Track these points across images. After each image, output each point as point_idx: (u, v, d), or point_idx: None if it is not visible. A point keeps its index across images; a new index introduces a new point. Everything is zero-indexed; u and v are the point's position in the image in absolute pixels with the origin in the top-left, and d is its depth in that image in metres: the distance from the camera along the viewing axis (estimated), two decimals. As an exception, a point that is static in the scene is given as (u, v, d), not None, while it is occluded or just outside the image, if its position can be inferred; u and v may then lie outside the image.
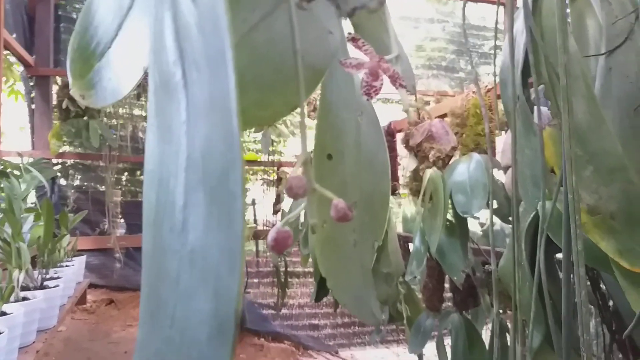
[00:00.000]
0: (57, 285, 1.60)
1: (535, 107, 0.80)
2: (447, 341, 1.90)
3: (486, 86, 1.48)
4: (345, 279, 0.34)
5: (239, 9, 0.26)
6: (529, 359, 1.15)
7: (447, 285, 2.07)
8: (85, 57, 0.33)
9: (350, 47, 0.30)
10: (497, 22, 0.90)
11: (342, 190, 0.33)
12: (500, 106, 1.58)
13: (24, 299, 1.38)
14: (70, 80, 0.34)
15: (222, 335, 0.16)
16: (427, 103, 1.94)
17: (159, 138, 0.23)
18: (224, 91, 0.17)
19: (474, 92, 1.53)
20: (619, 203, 0.71)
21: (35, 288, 1.53)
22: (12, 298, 1.32)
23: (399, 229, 2.40)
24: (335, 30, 0.30)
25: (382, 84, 0.29)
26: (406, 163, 1.97)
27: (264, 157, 3.53)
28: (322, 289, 2.69)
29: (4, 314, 1.18)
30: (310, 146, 0.34)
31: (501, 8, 0.83)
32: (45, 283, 1.62)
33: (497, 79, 0.85)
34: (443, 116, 1.69)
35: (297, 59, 0.24)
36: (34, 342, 1.36)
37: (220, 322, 0.16)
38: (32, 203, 2.43)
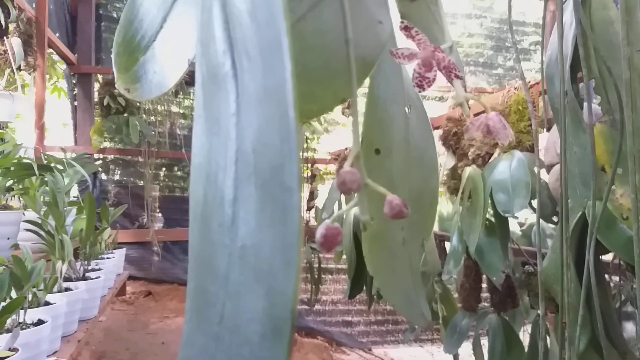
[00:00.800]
0: (99, 277, 1.65)
1: (585, 103, 0.77)
2: (483, 342, 1.87)
3: (529, 82, 1.43)
4: (393, 279, 0.33)
5: (286, -3, 0.26)
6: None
7: (484, 286, 2.03)
8: (130, 51, 0.33)
9: (399, 37, 0.28)
10: (545, 17, 0.87)
11: (390, 187, 0.31)
12: (542, 103, 1.53)
13: (67, 289, 1.42)
14: (115, 73, 0.34)
15: (277, 335, 0.15)
16: (512, 138, 1.90)
17: (206, 130, 0.23)
18: (280, 80, 0.16)
19: (515, 87, 1.48)
20: (676, 204, 0.68)
21: (78, 279, 1.58)
22: (55, 288, 1.36)
23: (435, 227, 2.37)
24: (385, 19, 0.29)
25: (435, 76, 0.28)
26: (444, 161, 1.94)
27: (298, 154, 3.53)
28: (356, 286, 2.67)
29: (47, 303, 1.22)
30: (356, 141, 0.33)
31: (542, 2, 0.80)
32: (87, 274, 1.66)
33: (543, 74, 0.82)
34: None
35: (349, 49, 0.23)
36: (75, 331, 1.40)
37: (275, 321, 0.16)
38: (74, 197, 2.51)
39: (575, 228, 0.97)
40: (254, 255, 0.18)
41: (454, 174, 1.77)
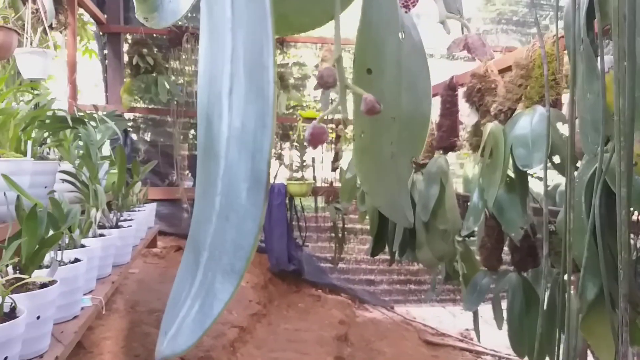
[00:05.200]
0: (131, 226, 1.73)
1: (598, 49, 0.77)
2: (504, 302, 1.90)
3: (554, 35, 1.41)
4: (380, 186, 0.36)
5: None
6: (583, 312, 1.14)
7: (505, 248, 2.04)
8: (149, -19, 0.36)
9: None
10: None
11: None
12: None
13: (101, 235, 1.50)
14: (135, 4, 0.37)
15: (257, 186, 0.19)
16: (492, 57, 1.87)
17: (209, 40, 0.26)
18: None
19: (545, 40, 1.46)
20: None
21: (111, 227, 1.67)
22: (90, 234, 1.44)
23: (460, 189, 2.38)
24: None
25: (418, -3, 0.30)
26: (467, 119, 1.93)
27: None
28: (378, 244, 2.72)
29: (83, 246, 1.31)
30: (342, 52, 0.36)
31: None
32: (119, 224, 1.75)
33: (557, 24, 0.81)
34: (508, 69, 1.63)
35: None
36: (110, 274, 1.49)
37: (256, 176, 0.19)
38: (106, 154, 2.59)
39: (590, 181, 0.98)
40: (242, 130, 0.21)
41: (477, 130, 1.78)
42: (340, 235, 3.48)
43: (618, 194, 0.46)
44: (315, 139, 0.26)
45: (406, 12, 0.31)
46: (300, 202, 3.58)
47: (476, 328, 2.20)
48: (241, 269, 0.19)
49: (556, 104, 1.42)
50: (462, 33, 0.33)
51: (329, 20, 0.29)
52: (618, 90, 0.46)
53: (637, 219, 1.26)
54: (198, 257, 0.24)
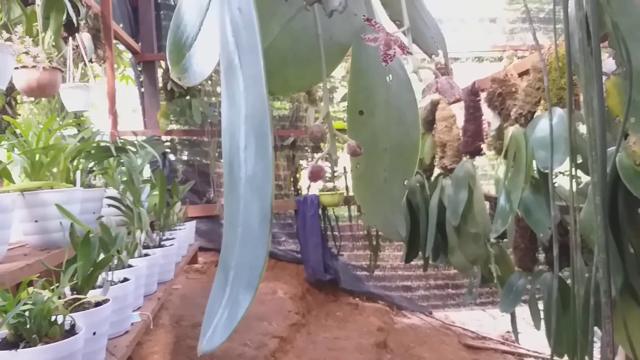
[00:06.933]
0: (173, 245, 1.84)
1: (606, 56, 0.81)
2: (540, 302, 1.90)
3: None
4: (376, 207, 0.43)
5: (279, 5, 0.35)
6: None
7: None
8: (179, 49, 0.44)
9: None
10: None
11: (373, 140, 0.41)
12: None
13: (146, 255, 1.61)
14: (170, 66, 0.45)
15: (265, 220, 0.26)
16: (460, 96, 1.90)
17: (228, 104, 0.33)
18: (259, 70, 0.26)
19: (557, 44, 1.49)
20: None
21: (155, 247, 1.78)
22: (136, 254, 1.55)
23: (493, 191, 2.40)
24: (359, 12, 0.38)
25: (394, 52, 0.36)
26: (491, 123, 1.96)
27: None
28: (411, 250, 2.75)
29: (130, 266, 1.41)
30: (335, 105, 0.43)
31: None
32: (162, 243, 1.86)
33: (555, 34, 0.86)
34: (526, 72, 1.66)
35: (319, 41, 0.33)
36: (155, 291, 1.60)
37: (264, 213, 0.26)
38: (147, 177, 2.72)
39: (608, 182, 1.01)
40: (253, 179, 0.28)
41: (500, 134, 1.81)
42: (374, 243, 3.53)
43: (593, 201, 0.50)
44: (314, 176, 0.33)
45: (385, 65, 0.37)
46: (334, 212, 3.65)
47: (514, 329, 2.20)
48: (256, 283, 0.26)
49: (575, 104, 1.44)
50: (442, 75, 0.39)
51: (320, 81, 0.36)
52: (588, 109, 0.51)
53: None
54: (227, 276, 0.31)
